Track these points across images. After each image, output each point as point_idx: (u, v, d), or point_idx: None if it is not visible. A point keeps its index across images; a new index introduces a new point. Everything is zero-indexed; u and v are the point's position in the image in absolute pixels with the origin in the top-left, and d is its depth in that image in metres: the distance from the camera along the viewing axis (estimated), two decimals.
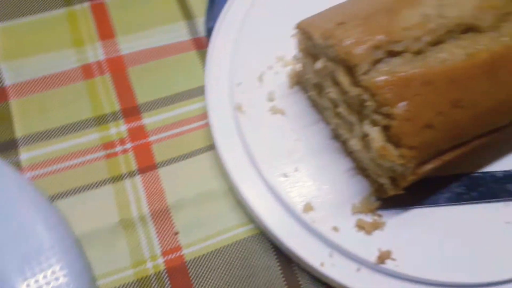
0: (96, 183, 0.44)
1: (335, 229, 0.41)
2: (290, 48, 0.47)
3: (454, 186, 0.44)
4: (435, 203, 0.43)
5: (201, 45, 0.53)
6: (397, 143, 0.35)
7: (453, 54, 0.36)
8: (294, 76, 0.47)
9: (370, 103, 0.36)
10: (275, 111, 0.46)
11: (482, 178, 0.44)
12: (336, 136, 0.45)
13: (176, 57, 0.52)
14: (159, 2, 0.55)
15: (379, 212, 0.42)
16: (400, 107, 0.35)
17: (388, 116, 0.35)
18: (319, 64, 0.40)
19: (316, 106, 0.47)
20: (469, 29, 0.38)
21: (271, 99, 0.46)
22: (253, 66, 0.48)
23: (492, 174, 0.44)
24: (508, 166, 0.45)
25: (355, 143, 0.41)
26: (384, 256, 0.39)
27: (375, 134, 0.36)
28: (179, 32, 0.53)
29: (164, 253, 0.42)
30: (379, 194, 0.42)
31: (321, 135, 0.46)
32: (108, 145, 0.46)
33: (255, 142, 0.44)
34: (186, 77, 0.51)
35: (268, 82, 0.47)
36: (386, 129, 0.36)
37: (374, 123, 0.37)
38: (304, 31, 0.40)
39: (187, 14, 0.55)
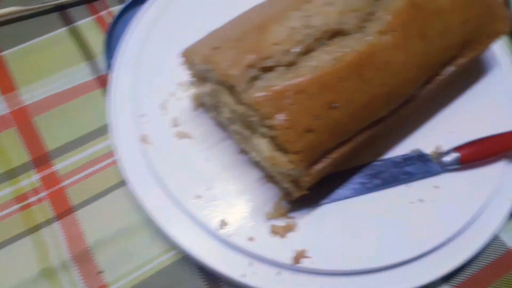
0: (12, 237, 0.44)
1: (251, 239, 0.42)
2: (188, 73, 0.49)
3: (358, 177, 0.47)
4: (342, 197, 0.45)
5: (105, 82, 0.54)
6: (284, 150, 0.38)
7: (322, 60, 0.39)
8: (196, 98, 0.49)
9: (254, 118, 0.38)
10: (181, 135, 0.47)
11: (383, 165, 0.47)
12: (243, 150, 0.47)
13: (82, 98, 0.53)
14: (57, 47, 0.56)
15: (292, 214, 0.44)
16: (279, 118, 0.37)
17: (271, 127, 0.37)
18: (207, 88, 0.42)
19: (220, 124, 0.49)
20: (336, 34, 0.40)
21: (176, 124, 0.48)
22: (155, 95, 0.49)
23: (391, 160, 0.48)
24: (405, 150, 0.48)
25: (254, 155, 0.43)
26: (299, 256, 0.42)
27: (264, 145, 0.39)
28: (82, 73, 0.54)
29: None
30: (289, 197, 0.44)
31: (229, 151, 0.47)
32: (21, 197, 0.46)
33: (165, 169, 0.45)
34: (94, 116, 0.51)
35: (172, 108, 0.49)
36: (273, 139, 0.38)
37: (263, 135, 0.39)
38: (188, 58, 0.42)
39: (88, 54, 0.56)
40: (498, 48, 0.55)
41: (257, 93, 0.37)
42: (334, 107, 0.38)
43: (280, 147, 0.38)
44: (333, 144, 0.40)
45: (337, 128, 0.39)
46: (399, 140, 0.49)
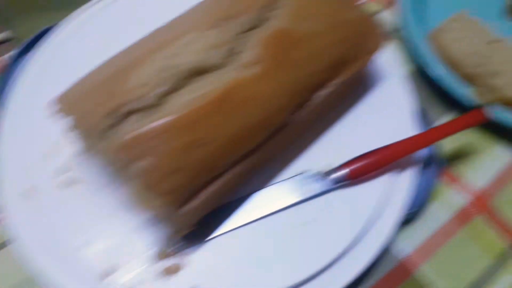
0: None
1: (140, 282, 0.42)
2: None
3: (248, 205, 0.47)
4: (234, 227, 0.46)
5: None
6: (154, 192, 0.38)
7: (187, 99, 0.39)
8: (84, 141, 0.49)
9: (122, 163, 0.38)
10: (69, 182, 0.47)
11: (273, 189, 0.48)
12: None
13: None
14: None
15: (184, 252, 0.44)
16: (145, 161, 0.37)
17: (136, 171, 0.37)
18: (76, 134, 0.42)
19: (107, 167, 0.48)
20: (201, 71, 0.40)
21: (64, 171, 0.47)
22: (41, 144, 0.48)
23: (280, 184, 0.48)
24: (295, 172, 0.49)
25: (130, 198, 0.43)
26: None
27: (134, 189, 0.39)
28: None
29: None
30: (178, 235, 0.44)
31: (118, 193, 0.47)
32: None
33: (50, 222, 0.44)
34: None
35: (60, 155, 0.48)
36: (141, 182, 0.38)
37: (132, 179, 0.39)
38: (58, 106, 0.42)
39: None
40: (386, 61, 0.57)
41: (120, 138, 0.37)
42: (200, 144, 0.39)
43: (148, 190, 0.38)
44: (205, 180, 0.40)
45: (206, 164, 0.39)
46: (289, 163, 0.50)
